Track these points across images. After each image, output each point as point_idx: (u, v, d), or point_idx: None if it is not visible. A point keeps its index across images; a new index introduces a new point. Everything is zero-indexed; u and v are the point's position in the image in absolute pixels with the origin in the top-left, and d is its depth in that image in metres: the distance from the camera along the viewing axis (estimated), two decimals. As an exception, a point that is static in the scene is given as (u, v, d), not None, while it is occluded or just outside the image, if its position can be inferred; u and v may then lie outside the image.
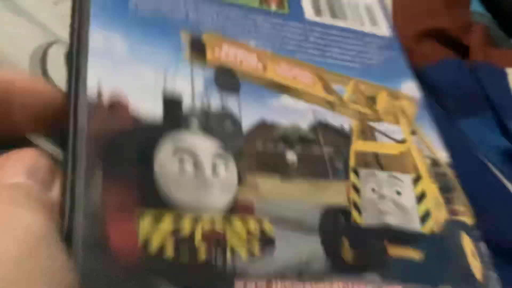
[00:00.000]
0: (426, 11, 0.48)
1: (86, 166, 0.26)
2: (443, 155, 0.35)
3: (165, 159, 0.28)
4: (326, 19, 0.39)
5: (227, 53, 0.34)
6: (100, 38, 0.30)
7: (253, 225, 0.28)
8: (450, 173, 0.34)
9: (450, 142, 0.38)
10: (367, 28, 0.40)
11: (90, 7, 0.31)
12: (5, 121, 0.27)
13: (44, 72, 0.39)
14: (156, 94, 0.30)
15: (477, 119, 0.43)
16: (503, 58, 0.46)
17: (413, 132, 0.36)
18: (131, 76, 0.30)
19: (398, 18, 0.47)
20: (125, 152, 0.28)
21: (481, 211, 0.36)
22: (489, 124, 0.43)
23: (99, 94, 0.29)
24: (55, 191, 0.24)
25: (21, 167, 0.24)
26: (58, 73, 0.39)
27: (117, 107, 0.29)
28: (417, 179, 0.33)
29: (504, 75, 0.45)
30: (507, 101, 0.43)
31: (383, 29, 0.41)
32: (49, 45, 0.37)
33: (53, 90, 0.29)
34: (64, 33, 0.39)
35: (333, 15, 0.40)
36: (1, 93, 0.27)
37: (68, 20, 0.34)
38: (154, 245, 0.25)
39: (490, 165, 0.41)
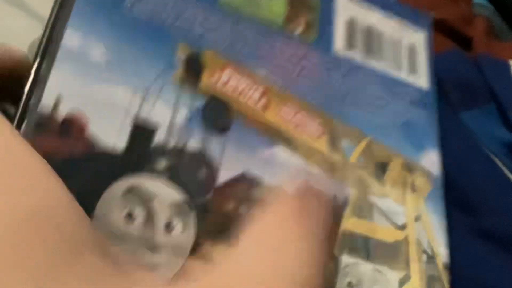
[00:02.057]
0: (428, 3, 0.46)
1: None
2: (443, 253, 0.30)
3: (112, 201, 0.24)
4: (358, 55, 0.33)
5: (227, 80, 0.29)
6: (76, 38, 0.26)
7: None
8: (445, 277, 0.30)
9: (452, 135, 0.39)
10: (404, 74, 0.34)
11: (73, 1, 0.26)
12: None
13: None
14: (125, 119, 0.26)
15: (480, 111, 0.42)
16: (506, 50, 0.45)
17: (418, 218, 0.31)
18: (100, 92, 0.25)
19: None
20: (67, 182, 0.23)
21: (484, 204, 0.37)
22: (492, 117, 0.42)
23: (55, 106, 0.24)
24: None
25: None
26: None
27: (72, 125, 0.24)
28: (404, 280, 0.29)
29: (507, 67, 0.44)
30: (510, 93, 0.42)
31: (422, 79, 0.35)
32: None
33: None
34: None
35: (368, 50, 0.34)
36: None
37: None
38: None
39: (493, 158, 0.40)
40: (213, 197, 0.26)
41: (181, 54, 0.28)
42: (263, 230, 0.19)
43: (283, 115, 0.29)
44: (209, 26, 0.29)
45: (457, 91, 0.42)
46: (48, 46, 0.25)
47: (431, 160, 0.33)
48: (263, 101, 0.29)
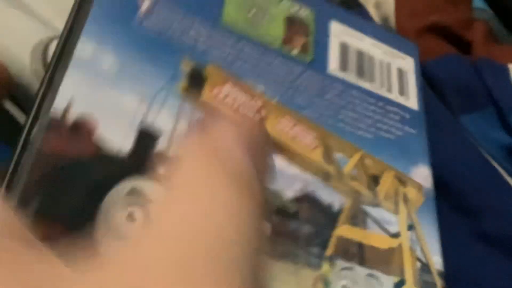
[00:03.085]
0: (429, 7, 0.47)
1: (23, 189, 0.23)
2: (436, 261, 0.31)
3: (115, 201, 0.25)
4: (351, 76, 0.35)
5: (227, 94, 0.30)
6: (90, 48, 0.27)
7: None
8: (439, 284, 0.30)
9: (452, 139, 0.39)
10: (394, 96, 0.36)
11: (88, 13, 0.28)
12: None
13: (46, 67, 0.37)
14: (132, 125, 0.27)
15: (479, 115, 0.43)
16: (505, 54, 0.46)
17: (411, 227, 0.32)
18: (110, 99, 0.27)
19: (400, 13, 0.47)
20: (70, 185, 0.25)
21: (483, 207, 0.37)
22: (491, 120, 0.43)
23: (66, 111, 0.26)
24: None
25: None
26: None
27: (81, 128, 0.26)
28: (399, 284, 0.29)
29: (506, 71, 0.44)
30: (509, 97, 0.43)
31: (412, 100, 0.37)
32: (50, 40, 0.35)
33: None
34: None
35: (360, 73, 0.36)
36: None
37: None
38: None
39: (492, 161, 0.40)
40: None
41: (185, 67, 0.30)
42: (180, 192, 0.16)
43: (280, 128, 0.31)
44: (212, 43, 0.31)
45: (457, 94, 0.43)
46: (63, 53, 0.27)
47: (422, 175, 0.34)
48: (259, 115, 0.31)
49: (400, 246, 0.31)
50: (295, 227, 0.29)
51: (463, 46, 0.46)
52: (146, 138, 0.27)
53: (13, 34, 0.35)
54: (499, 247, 0.36)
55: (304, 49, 0.35)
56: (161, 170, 0.27)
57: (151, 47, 0.29)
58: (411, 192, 0.33)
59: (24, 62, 0.35)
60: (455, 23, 0.46)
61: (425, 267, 0.31)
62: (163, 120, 0.28)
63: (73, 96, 0.26)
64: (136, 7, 0.30)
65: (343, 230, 0.30)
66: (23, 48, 0.35)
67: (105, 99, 0.27)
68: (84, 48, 0.27)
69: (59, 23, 0.36)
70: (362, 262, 0.29)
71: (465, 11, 0.47)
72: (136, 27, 0.29)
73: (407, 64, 0.38)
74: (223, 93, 0.30)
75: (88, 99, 0.26)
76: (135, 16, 0.30)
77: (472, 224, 0.37)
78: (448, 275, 0.31)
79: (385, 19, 0.47)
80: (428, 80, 0.43)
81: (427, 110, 0.39)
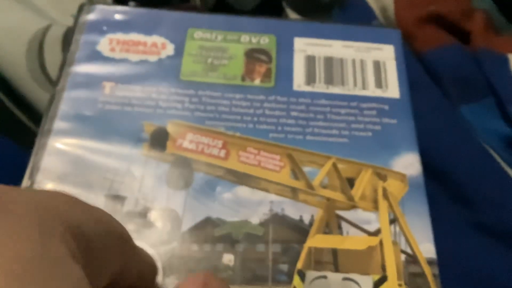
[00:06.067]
0: None
1: None
2: (427, 249, 0.30)
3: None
4: (319, 86, 0.36)
5: (189, 142, 0.33)
6: (62, 129, 0.33)
7: None
8: (428, 272, 0.30)
9: (452, 129, 0.40)
10: (370, 91, 0.36)
11: (56, 114, 0.34)
12: None
13: (42, 66, 0.40)
14: (99, 195, 0.31)
15: (479, 105, 0.42)
16: (505, 44, 0.44)
17: (393, 220, 0.31)
18: (79, 178, 0.32)
19: (399, 3, 0.47)
20: None
21: (481, 197, 0.37)
22: (491, 110, 0.42)
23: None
24: None
25: None
26: (55, 65, 0.38)
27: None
28: (380, 282, 0.29)
29: (505, 61, 0.43)
30: (509, 87, 0.42)
31: (391, 90, 0.36)
32: (45, 32, 0.36)
33: None
34: (59, 15, 0.41)
35: (329, 80, 0.36)
36: None
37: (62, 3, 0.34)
38: None
39: (492, 152, 0.40)
40: (178, 243, 0.30)
41: (147, 131, 0.34)
42: None
43: (243, 159, 0.33)
44: (172, 99, 0.35)
45: (456, 84, 0.42)
46: (41, 140, 0.32)
47: (407, 162, 0.33)
48: (223, 152, 0.33)
49: (380, 242, 0.30)
50: (262, 249, 0.30)
51: (463, 36, 0.45)
52: (113, 204, 0.31)
53: (8, 26, 0.36)
54: (497, 238, 0.35)
55: (266, 76, 0.36)
56: (130, 226, 0.31)
57: (115, 122, 0.34)
58: (392, 185, 0.32)
59: (20, 61, 0.38)
60: (455, 12, 0.46)
61: (411, 259, 0.30)
62: (129, 184, 0.32)
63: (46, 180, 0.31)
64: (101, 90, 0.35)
65: (315, 241, 0.31)
66: (18, 46, 0.37)
67: (75, 181, 0.32)
68: (55, 139, 0.33)
69: (53, 12, 0.40)
70: (336, 268, 0.30)
71: (465, 1, 0.47)
72: (100, 109, 0.34)
73: (386, 53, 0.38)
74: (186, 141, 0.33)
75: (60, 182, 0.31)
76: (97, 102, 0.34)
77: (470, 214, 0.36)
78: (444, 264, 0.30)
79: (384, 9, 0.46)
80: (428, 69, 0.42)
81: (426, 100, 0.39)
